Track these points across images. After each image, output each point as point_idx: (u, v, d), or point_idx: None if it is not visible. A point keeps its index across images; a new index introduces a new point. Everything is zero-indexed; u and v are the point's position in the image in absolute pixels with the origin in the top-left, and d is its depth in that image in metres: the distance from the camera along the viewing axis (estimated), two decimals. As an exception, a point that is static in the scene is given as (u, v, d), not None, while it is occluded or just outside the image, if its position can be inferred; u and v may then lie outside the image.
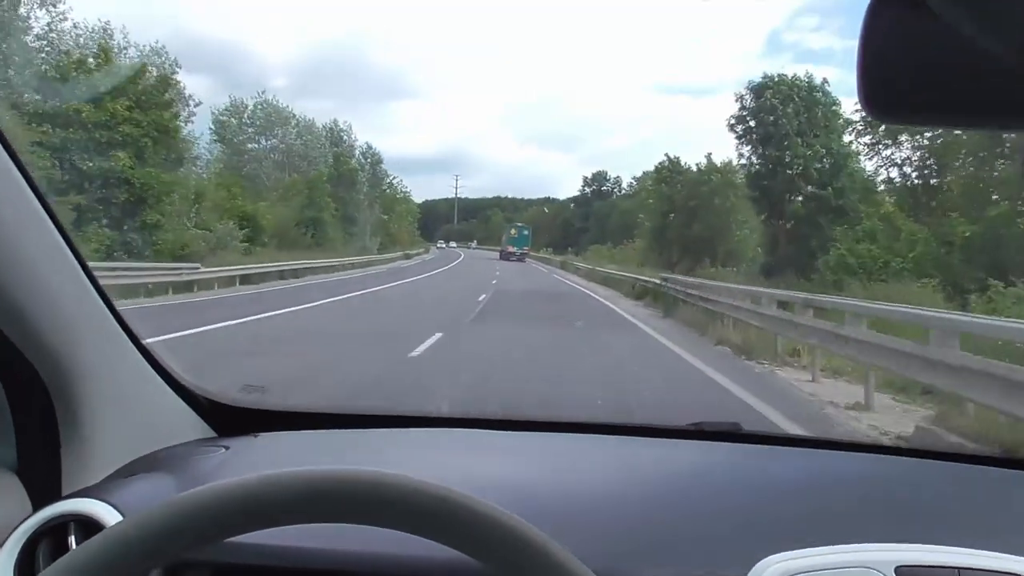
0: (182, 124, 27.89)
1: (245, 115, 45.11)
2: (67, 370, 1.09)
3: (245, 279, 22.61)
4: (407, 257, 53.74)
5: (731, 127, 35.07)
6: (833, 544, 0.93)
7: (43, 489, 1.07)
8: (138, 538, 0.62)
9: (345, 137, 51.28)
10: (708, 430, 1.48)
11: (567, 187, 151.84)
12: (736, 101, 34.14)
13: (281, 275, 26.21)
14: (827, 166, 29.39)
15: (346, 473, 0.65)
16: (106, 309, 1.17)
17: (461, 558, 0.65)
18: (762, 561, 0.90)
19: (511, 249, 56.55)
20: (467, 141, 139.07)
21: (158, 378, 1.29)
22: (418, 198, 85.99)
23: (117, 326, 1.20)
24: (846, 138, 29.58)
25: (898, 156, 24.68)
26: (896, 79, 0.58)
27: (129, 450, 1.19)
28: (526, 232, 60.15)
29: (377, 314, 15.97)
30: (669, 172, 43.18)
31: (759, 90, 31.78)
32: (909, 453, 1.59)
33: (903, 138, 23.34)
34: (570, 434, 1.52)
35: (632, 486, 1.20)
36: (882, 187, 25.54)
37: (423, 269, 39.26)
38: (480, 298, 19.70)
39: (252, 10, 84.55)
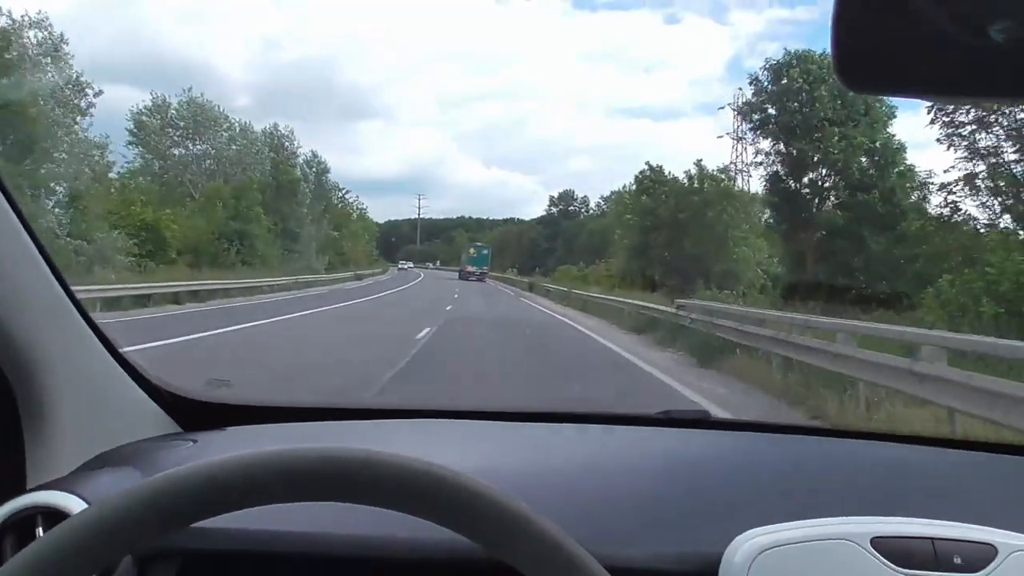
0: (45, 104, 21.22)
1: (169, 115, 38.44)
2: (30, 364, 1.07)
3: (113, 303, 16.16)
4: (358, 278, 47.46)
5: (743, 115, 28.87)
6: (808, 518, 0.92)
7: (7, 484, 1.04)
8: (106, 524, 0.60)
9: (287, 144, 44.94)
10: (677, 418, 1.47)
11: (532, 208, 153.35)
12: (750, 84, 28.29)
13: (175, 299, 19.77)
14: (871, 163, 23.36)
15: (309, 450, 0.63)
16: (71, 304, 1.15)
17: (429, 537, 0.65)
18: (739, 537, 0.89)
19: (470, 269, 55.72)
20: (432, 162, 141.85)
21: (123, 373, 1.26)
22: (381, 218, 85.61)
23: (82, 321, 1.17)
24: (891, 129, 23.48)
25: (984, 144, 18.24)
26: (870, 48, 0.58)
27: (95, 445, 1.15)
28: (485, 252, 59.43)
29: (251, 363, 9.45)
30: (651, 182, 37.45)
31: (780, 69, 25.87)
32: (878, 437, 1.52)
33: (993, 117, 17.09)
34: (543, 423, 1.51)
35: (605, 471, 1.18)
36: (959, 187, 18.59)
37: (369, 291, 33.00)
38: (420, 334, 13.46)
39: (214, 28, 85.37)
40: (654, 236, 35.10)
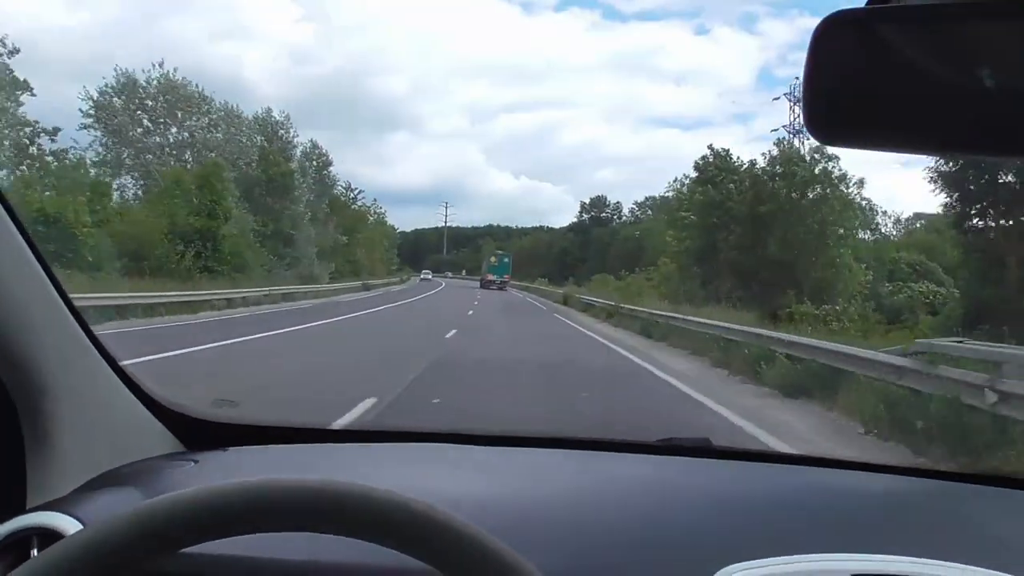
0: None
1: (137, 95, 31.35)
2: (33, 382, 1.05)
3: None
4: (366, 288, 40.16)
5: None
6: (793, 554, 0.92)
7: (6, 503, 1.03)
8: (99, 546, 0.60)
9: (281, 132, 37.66)
10: (678, 445, 1.44)
11: (561, 217, 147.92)
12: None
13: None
14: None
15: (297, 483, 0.64)
16: (75, 322, 1.13)
17: (419, 568, 0.64)
18: (719, 572, 0.89)
19: (491, 277, 54.18)
20: (461, 172, 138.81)
21: (127, 391, 1.24)
22: (408, 227, 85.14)
23: (86, 339, 1.15)
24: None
25: None
26: (840, 103, 0.58)
27: (96, 464, 1.13)
28: (507, 260, 58.49)
29: None
30: (716, 169, 29.69)
31: None
32: (875, 469, 1.47)
33: None
34: (539, 448, 1.48)
35: (597, 499, 1.16)
36: None
37: (368, 305, 25.64)
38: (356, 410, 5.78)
39: (246, 44, 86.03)
40: (723, 236, 27.26)
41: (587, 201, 73.68)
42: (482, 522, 0.63)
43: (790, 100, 30.83)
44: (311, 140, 45.57)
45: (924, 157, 14.84)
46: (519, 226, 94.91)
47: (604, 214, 74.91)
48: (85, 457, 1.11)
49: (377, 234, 58.40)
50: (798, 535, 0.98)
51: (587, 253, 61.26)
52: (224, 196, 27.03)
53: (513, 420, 6.39)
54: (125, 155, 31.02)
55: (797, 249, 24.26)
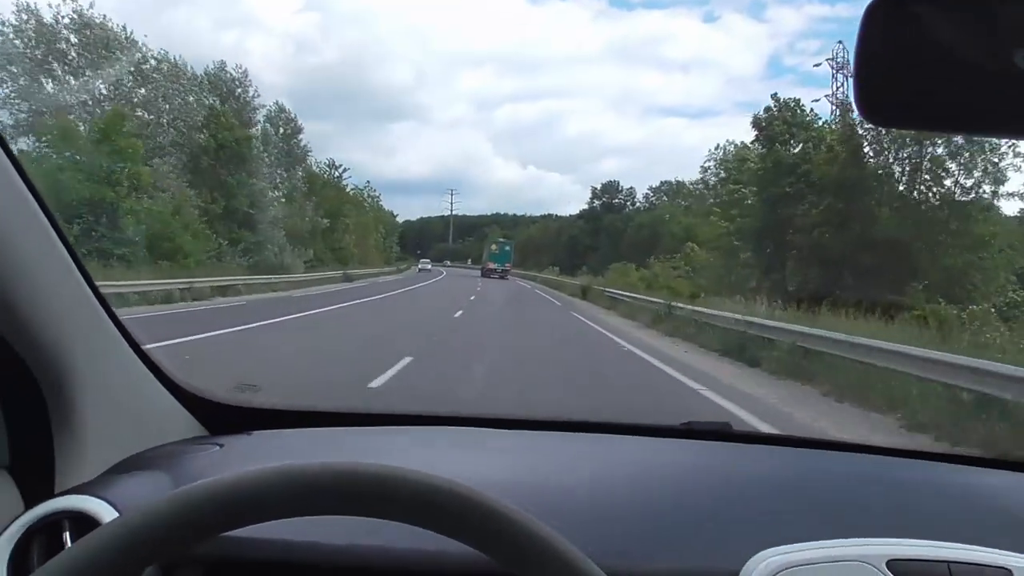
0: None
1: (41, 34, 23.93)
2: (60, 367, 1.04)
3: None
4: (347, 279, 33.23)
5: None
6: (825, 539, 0.90)
7: (35, 487, 1.02)
8: (139, 533, 0.60)
9: (238, 90, 30.26)
10: (699, 429, 1.41)
11: (568, 207, 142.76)
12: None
13: None
14: None
15: (335, 466, 0.63)
16: (100, 307, 1.11)
17: (457, 552, 0.64)
18: (756, 556, 0.87)
19: (491, 266, 52.07)
20: (467, 162, 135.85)
21: (151, 376, 1.23)
22: (413, 216, 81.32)
23: (111, 324, 1.14)
24: None
25: None
26: (891, 84, 0.57)
27: (122, 448, 1.12)
28: (508, 248, 56.58)
29: None
30: (784, 125, 22.18)
31: None
32: (899, 453, 1.47)
33: None
34: (563, 432, 1.45)
35: (623, 483, 1.13)
36: None
37: (319, 303, 18.22)
38: None
39: (249, 33, 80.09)
40: (797, 211, 19.87)
41: (598, 187, 67.70)
42: (514, 504, 0.62)
43: (832, 66, 23.79)
44: (276, 102, 37.91)
45: None
46: (527, 214, 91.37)
47: (616, 200, 69.02)
48: (111, 441, 1.10)
49: (371, 219, 51.32)
50: (828, 521, 0.95)
51: (598, 241, 56.54)
52: (132, 157, 19.72)
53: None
54: (25, 111, 23.56)
55: (918, 227, 16.78)
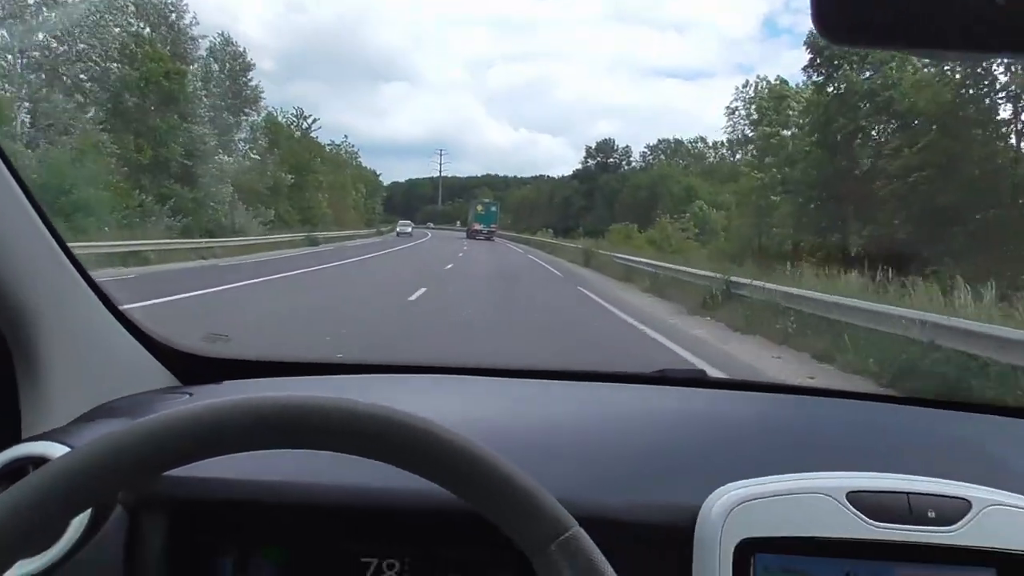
0: None
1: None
2: (24, 315, 1.02)
3: None
4: (311, 243, 28.48)
5: None
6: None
7: (2, 436, 0.99)
8: (79, 469, 0.59)
9: (171, 15, 24.55)
10: (673, 377, 1.42)
11: (561, 169, 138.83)
12: None
13: None
14: None
15: (288, 398, 0.62)
16: (63, 255, 1.09)
17: (420, 487, 0.64)
18: (718, 490, 0.88)
19: (477, 227, 49.92)
20: (459, 124, 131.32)
21: (120, 326, 1.20)
22: (402, 177, 77.51)
23: (77, 274, 1.11)
24: None
25: None
26: None
27: (90, 398, 1.10)
28: (493, 209, 54.42)
29: None
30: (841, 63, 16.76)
31: None
32: (865, 397, 1.49)
33: None
34: (538, 380, 1.42)
35: (591, 426, 1.14)
36: None
37: (247, 275, 13.16)
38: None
39: None
40: (887, 153, 14.76)
41: (592, 146, 63.57)
42: (487, 445, 0.63)
43: None
44: (221, 33, 31.73)
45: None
46: (518, 175, 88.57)
47: (612, 159, 64.62)
48: (79, 391, 1.09)
49: (348, 178, 46.06)
50: (792, 459, 0.95)
51: (593, 202, 53.39)
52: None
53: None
54: None
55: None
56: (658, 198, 37.80)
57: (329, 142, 44.51)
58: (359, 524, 0.92)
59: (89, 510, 0.80)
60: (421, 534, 0.91)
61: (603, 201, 49.78)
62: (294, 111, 37.64)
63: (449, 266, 20.37)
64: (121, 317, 1.19)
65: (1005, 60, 13.38)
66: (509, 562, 0.84)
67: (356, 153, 52.46)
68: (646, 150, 57.48)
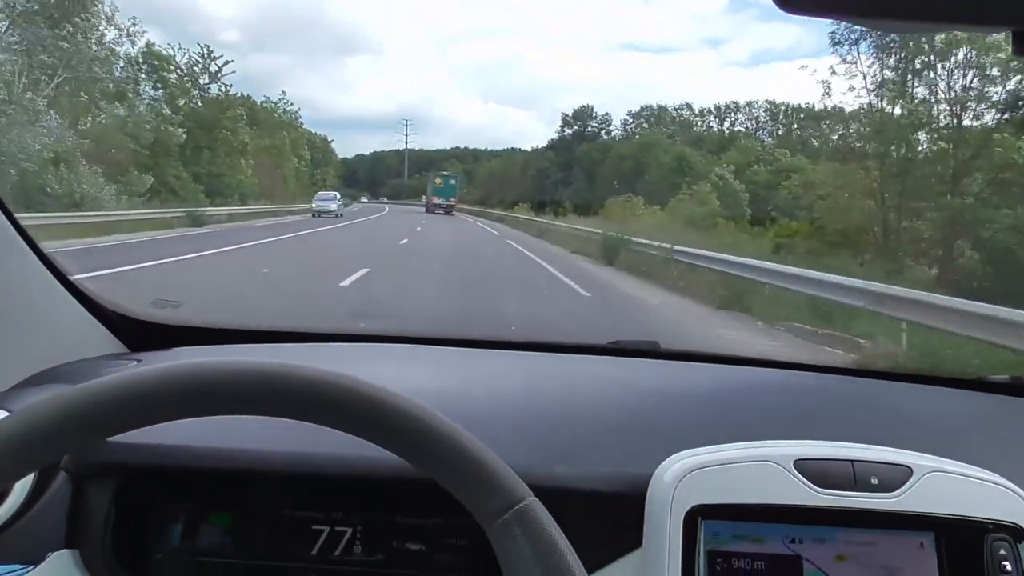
0: None
1: None
2: None
3: None
4: (195, 222, 19.35)
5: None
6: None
7: None
8: (17, 433, 0.56)
9: None
10: (627, 348, 1.41)
11: (532, 141, 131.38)
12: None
13: None
14: None
15: (230, 363, 0.59)
16: (9, 224, 1.06)
17: (373, 455, 0.62)
18: (669, 458, 0.89)
19: (436, 200, 45.79)
20: (426, 97, 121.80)
21: (64, 291, 1.17)
22: (366, 150, 73.07)
23: (18, 236, 1.08)
24: None
25: None
26: None
27: (33, 364, 1.07)
28: (453, 182, 49.89)
29: None
30: None
31: None
32: (818, 369, 1.48)
33: None
34: (492, 350, 1.43)
35: (544, 395, 1.15)
36: None
37: None
38: None
39: None
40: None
41: (569, 113, 56.16)
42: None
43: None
44: None
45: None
46: (488, 148, 79.72)
47: (590, 127, 55.93)
48: (23, 356, 1.06)
49: (285, 142, 36.21)
50: (742, 428, 0.95)
51: (571, 175, 47.65)
52: None
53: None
54: None
55: None
56: (644, 168, 34.29)
57: (264, 98, 34.87)
58: (310, 491, 0.90)
59: (31, 476, 0.77)
60: (374, 502, 0.88)
61: (582, 173, 44.89)
62: (199, 50, 27.98)
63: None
64: (68, 284, 1.15)
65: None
66: (463, 530, 0.84)
67: (296, 113, 42.28)
68: (628, 118, 51.22)
